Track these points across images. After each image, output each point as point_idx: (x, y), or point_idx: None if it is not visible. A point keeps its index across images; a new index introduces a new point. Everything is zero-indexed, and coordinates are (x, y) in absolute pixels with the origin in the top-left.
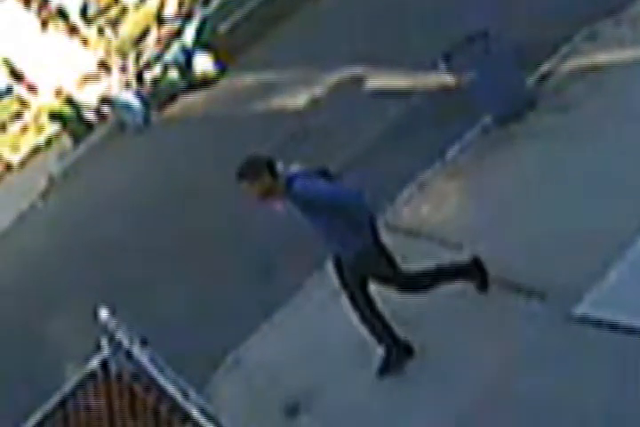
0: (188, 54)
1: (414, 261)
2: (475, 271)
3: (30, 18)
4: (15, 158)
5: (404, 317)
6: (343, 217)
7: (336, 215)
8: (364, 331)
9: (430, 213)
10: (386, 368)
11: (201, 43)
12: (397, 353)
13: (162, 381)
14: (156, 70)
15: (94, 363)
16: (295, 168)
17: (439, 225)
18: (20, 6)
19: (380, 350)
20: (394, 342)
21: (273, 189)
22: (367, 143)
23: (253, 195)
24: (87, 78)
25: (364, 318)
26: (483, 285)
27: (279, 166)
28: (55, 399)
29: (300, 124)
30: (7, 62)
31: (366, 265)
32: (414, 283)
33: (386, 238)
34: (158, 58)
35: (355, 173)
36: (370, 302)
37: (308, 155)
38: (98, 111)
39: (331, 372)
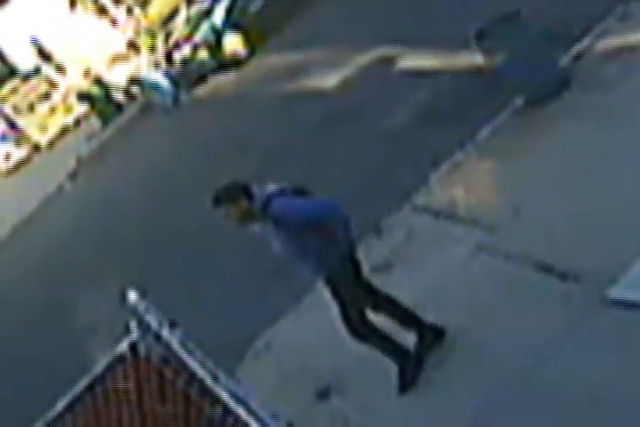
0: (219, 34)
1: (447, 244)
2: (429, 336)
3: None
4: (43, 139)
5: (432, 302)
6: (320, 231)
7: (313, 231)
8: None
9: (462, 194)
10: (403, 385)
11: (231, 22)
12: (411, 367)
13: (191, 364)
14: (186, 50)
15: (123, 346)
16: (271, 188)
17: (471, 207)
18: None
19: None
20: (404, 355)
21: (250, 212)
22: (398, 124)
23: (232, 219)
24: (116, 59)
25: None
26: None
27: (255, 188)
28: (84, 383)
29: (330, 105)
30: (36, 43)
31: (342, 277)
32: (380, 304)
33: (417, 220)
34: (188, 37)
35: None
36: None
37: (339, 137)
38: (127, 92)
39: (361, 355)
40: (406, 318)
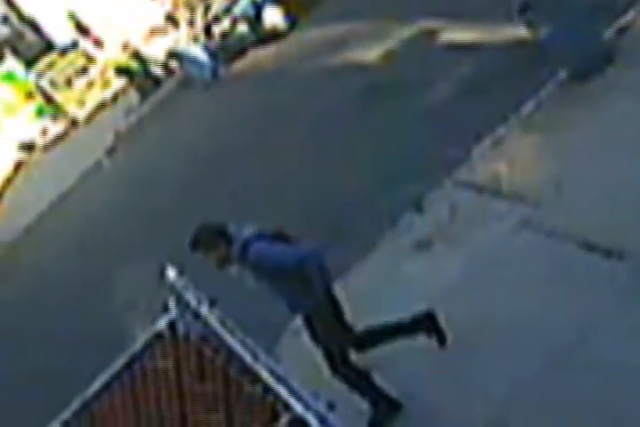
0: (258, 7)
1: (490, 220)
2: (429, 326)
3: None
4: (81, 114)
5: (474, 280)
6: (296, 277)
7: (289, 276)
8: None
9: (505, 169)
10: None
11: None
12: (385, 408)
13: (230, 342)
14: (225, 24)
15: (161, 324)
16: (249, 231)
17: (514, 182)
18: None
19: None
20: (379, 397)
21: (228, 257)
22: (440, 98)
23: (211, 263)
24: (154, 32)
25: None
26: (441, 341)
27: (232, 229)
28: (122, 361)
29: (371, 78)
30: (73, 16)
31: (319, 319)
32: (367, 341)
33: (460, 196)
34: (227, 11)
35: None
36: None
37: (380, 111)
38: (165, 66)
39: None
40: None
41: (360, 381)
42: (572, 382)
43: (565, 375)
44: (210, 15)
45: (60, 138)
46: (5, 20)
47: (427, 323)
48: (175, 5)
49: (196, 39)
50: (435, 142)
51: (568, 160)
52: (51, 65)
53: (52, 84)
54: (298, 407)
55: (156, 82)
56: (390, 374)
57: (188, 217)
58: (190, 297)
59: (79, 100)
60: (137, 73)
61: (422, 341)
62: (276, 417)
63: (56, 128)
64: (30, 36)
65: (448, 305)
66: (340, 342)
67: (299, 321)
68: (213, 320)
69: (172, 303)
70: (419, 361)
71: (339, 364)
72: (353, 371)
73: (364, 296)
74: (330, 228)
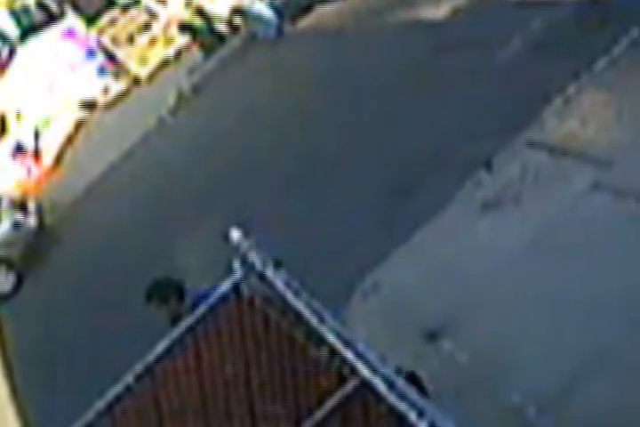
0: None
1: (562, 180)
2: None
3: None
4: (143, 72)
5: (545, 242)
6: None
7: None
8: None
9: (577, 128)
10: None
11: None
12: None
13: (297, 305)
14: None
15: (226, 286)
16: (204, 289)
17: (587, 142)
18: None
19: None
20: None
21: (179, 313)
22: (511, 55)
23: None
24: None
25: None
26: None
27: (188, 287)
28: (184, 324)
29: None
30: None
31: None
32: None
33: (530, 155)
34: None
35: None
36: None
37: (449, 68)
38: (229, 23)
39: (474, 295)
40: None
41: None
42: None
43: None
44: None
45: (121, 96)
46: None
47: None
48: None
49: None
50: (505, 100)
51: None
52: (112, 22)
53: (114, 40)
54: (365, 372)
55: (220, 39)
56: None
57: (252, 179)
58: (255, 259)
59: (141, 58)
60: (201, 30)
61: None
62: (342, 382)
63: (117, 86)
64: None
65: (516, 267)
66: None
67: (367, 283)
68: (279, 283)
69: (236, 265)
70: None
71: None
72: None
73: (432, 256)
74: (399, 186)
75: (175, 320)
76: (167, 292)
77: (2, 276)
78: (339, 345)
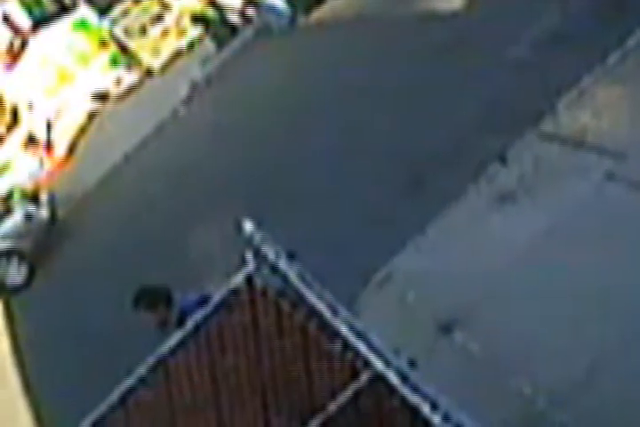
0: None
1: (575, 172)
2: None
3: None
4: (156, 63)
5: (558, 236)
6: None
7: None
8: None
9: (591, 121)
10: None
11: None
12: None
13: (309, 297)
14: None
15: (238, 278)
16: (192, 298)
17: (600, 134)
18: None
19: None
20: None
21: (167, 320)
22: (524, 47)
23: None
24: None
25: None
26: None
27: (176, 295)
28: (197, 316)
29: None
30: None
31: None
32: None
33: (544, 148)
34: None
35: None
36: None
37: (463, 61)
38: (242, 13)
39: (488, 288)
40: None
41: None
42: None
43: None
44: None
45: (134, 88)
46: None
47: None
48: None
49: None
50: (518, 93)
51: None
52: (125, 12)
53: (127, 32)
54: (378, 364)
55: (233, 30)
56: None
57: (265, 170)
58: (268, 250)
59: (154, 49)
60: (213, 21)
61: None
62: (355, 374)
63: (130, 77)
64: None
65: (530, 259)
66: None
67: (380, 274)
68: (292, 274)
69: (249, 257)
70: None
71: None
72: None
73: (446, 248)
74: (414, 178)
75: (162, 326)
76: (155, 298)
77: (14, 268)
78: (352, 338)
